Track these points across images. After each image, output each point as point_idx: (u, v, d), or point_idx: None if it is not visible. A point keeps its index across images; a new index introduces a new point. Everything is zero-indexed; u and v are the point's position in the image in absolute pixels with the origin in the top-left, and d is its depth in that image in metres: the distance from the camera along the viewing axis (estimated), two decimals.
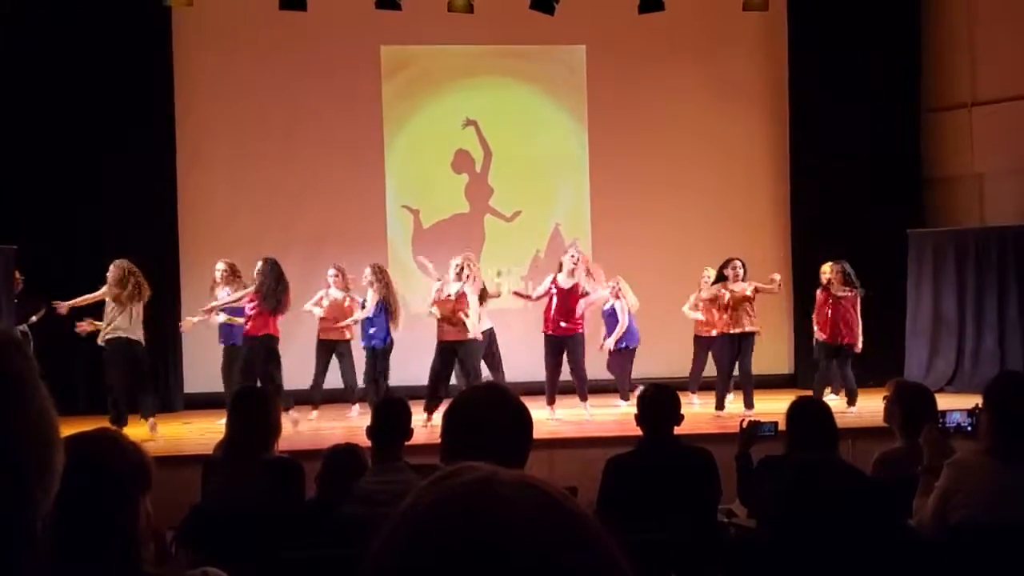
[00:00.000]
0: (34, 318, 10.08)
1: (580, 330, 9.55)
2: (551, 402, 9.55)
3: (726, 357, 9.71)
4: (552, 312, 9.51)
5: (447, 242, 11.78)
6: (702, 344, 10.42)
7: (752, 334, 9.68)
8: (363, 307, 9.76)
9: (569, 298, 9.46)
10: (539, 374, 10.42)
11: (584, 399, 9.63)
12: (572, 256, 9.63)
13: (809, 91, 11.96)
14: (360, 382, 9.90)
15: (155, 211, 11.15)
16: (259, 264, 9.32)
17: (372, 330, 9.65)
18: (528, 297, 10.01)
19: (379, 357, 9.65)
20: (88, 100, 10.93)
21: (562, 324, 9.47)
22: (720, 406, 9.62)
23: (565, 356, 9.53)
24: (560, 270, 9.66)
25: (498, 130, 12.15)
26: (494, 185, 12.17)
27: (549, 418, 9.31)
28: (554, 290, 9.55)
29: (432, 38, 11.69)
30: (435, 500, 0.82)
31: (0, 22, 10.63)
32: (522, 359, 10.63)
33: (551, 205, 12.26)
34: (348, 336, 9.95)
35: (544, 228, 12.21)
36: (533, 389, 10.05)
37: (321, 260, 10.95)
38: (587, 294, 9.54)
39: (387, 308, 9.61)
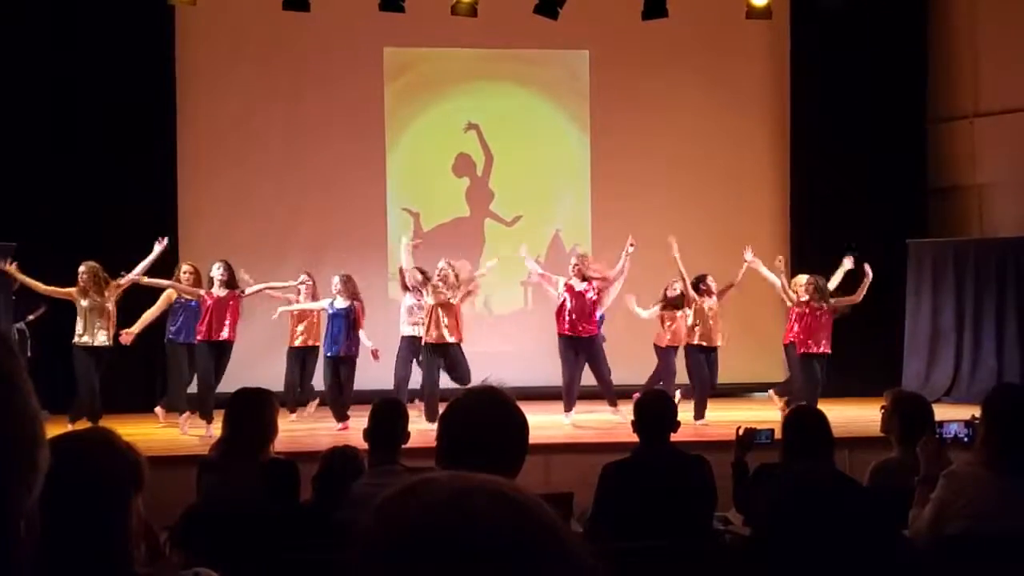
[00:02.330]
0: (31, 316, 10.07)
1: (597, 332, 9.50)
2: (569, 408, 9.46)
3: (703, 369, 9.64)
4: (567, 313, 9.43)
5: (447, 246, 11.78)
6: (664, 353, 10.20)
7: (717, 347, 9.69)
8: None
9: (583, 301, 9.41)
10: (535, 379, 10.44)
11: (613, 404, 9.60)
12: (574, 264, 9.62)
13: (811, 99, 11.97)
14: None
15: (156, 212, 11.13)
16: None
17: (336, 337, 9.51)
18: (544, 276, 9.79)
19: (343, 365, 9.52)
20: (90, 100, 10.94)
21: (579, 326, 9.40)
22: (700, 415, 9.51)
23: (584, 360, 9.50)
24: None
25: (500, 134, 12.15)
26: (495, 189, 12.17)
27: (565, 423, 9.28)
28: (566, 293, 9.48)
29: (435, 41, 11.70)
30: (404, 513, 0.81)
31: (1, 22, 10.63)
32: (520, 365, 10.63)
33: (552, 210, 12.26)
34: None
35: (545, 233, 12.21)
36: (530, 394, 10.06)
37: (322, 262, 10.95)
38: (600, 296, 9.49)
39: (356, 317, 9.52)
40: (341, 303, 9.45)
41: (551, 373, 11.46)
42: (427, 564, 0.78)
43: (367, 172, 11.82)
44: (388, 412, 4.35)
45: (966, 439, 4.59)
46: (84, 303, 8.95)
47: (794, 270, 11.80)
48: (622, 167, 12.02)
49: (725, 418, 9.61)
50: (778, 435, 4.79)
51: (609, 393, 9.65)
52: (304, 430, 9.33)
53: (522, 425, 2.37)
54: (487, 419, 2.32)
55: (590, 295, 9.42)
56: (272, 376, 9.57)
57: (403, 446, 4.29)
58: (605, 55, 12.06)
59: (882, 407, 4.87)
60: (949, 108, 12.15)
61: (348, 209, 11.72)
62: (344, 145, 11.76)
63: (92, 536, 1.59)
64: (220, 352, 9.13)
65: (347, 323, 9.47)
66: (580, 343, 9.43)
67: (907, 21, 11.98)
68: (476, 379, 9.86)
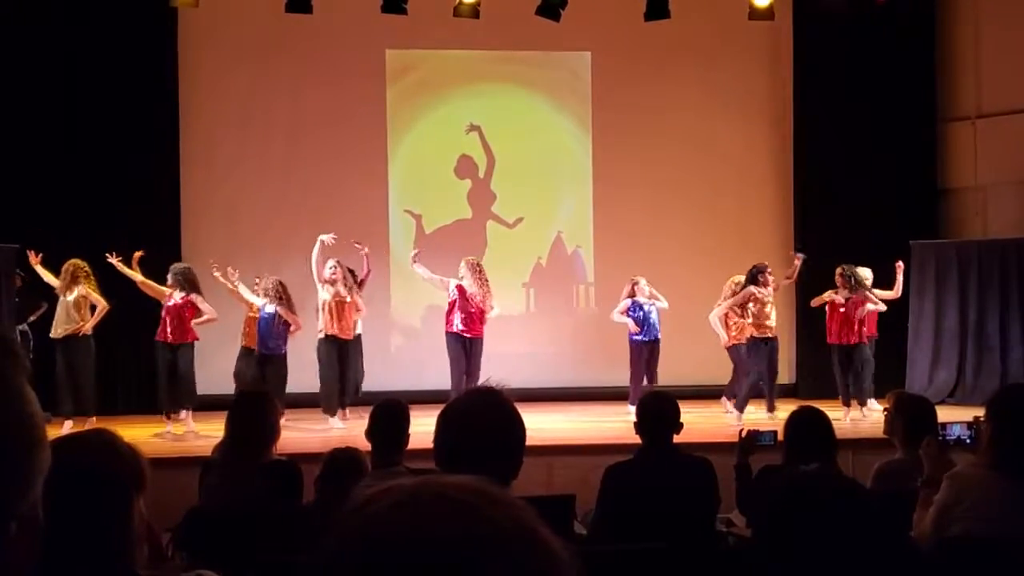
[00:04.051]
0: (33, 317, 10.09)
1: (482, 334, 9.88)
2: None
3: (763, 361, 9.83)
4: (457, 313, 9.74)
5: (449, 247, 11.78)
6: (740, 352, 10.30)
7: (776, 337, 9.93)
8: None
9: (474, 303, 9.77)
10: (538, 381, 10.44)
11: None
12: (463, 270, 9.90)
13: (814, 100, 11.95)
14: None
15: (157, 213, 11.14)
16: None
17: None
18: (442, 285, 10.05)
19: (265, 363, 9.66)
20: (92, 100, 10.94)
21: (471, 325, 9.76)
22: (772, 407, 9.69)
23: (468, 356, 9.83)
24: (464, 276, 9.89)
25: (502, 136, 12.14)
26: (497, 191, 12.16)
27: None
28: (456, 294, 9.77)
29: (437, 43, 11.69)
30: (351, 538, 0.81)
31: (3, 21, 10.63)
32: (523, 366, 10.62)
33: (554, 212, 12.25)
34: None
35: (546, 235, 12.20)
36: (533, 396, 10.06)
37: (322, 263, 10.95)
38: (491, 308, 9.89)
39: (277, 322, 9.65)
40: (269, 308, 9.60)
41: (554, 374, 11.50)
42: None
43: (369, 174, 11.82)
44: (390, 413, 4.33)
45: (968, 441, 4.58)
46: (60, 298, 9.46)
47: (797, 270, 11.80)
48: (624, 169, 12.01)
49: (728, 420, 9.63)
50: (781, 437, 4.78)
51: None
52: (306, 431, 9.33)
53: (519, 425, 2.34)
54: (485, 421, 2.30)
55: (477, 298, 9.77)
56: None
57: (406, 448, 4.28)
58: (607, 57, 12.05)
59: (885, 409, 4.87)
60: (952, 109, 12.14)
61: (350, 211, 11.70)
62: (346, 147, 11.75)
63: (94, 538, 1.59)
64: (174, 352, 9.41)
65: (269, 325, 9.60)
66: (470, 342, 9.79)
67: (912, 22, 11.95)
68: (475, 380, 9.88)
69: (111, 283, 9.77)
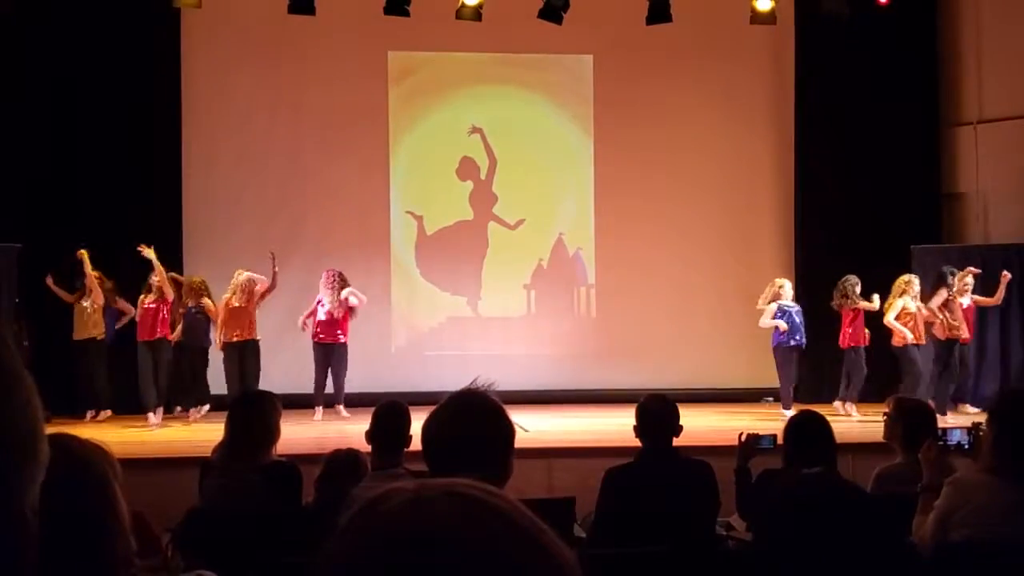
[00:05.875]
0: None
1: (345, 339, 10.24)
2: (319, 405, 10.15)
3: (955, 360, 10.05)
4: (320, 323, 10.21)
5: (450, 249, 11.80)
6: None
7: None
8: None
9: (335, 314, 10.18)
10: (538, 383, 10.43)
11: (342, 404, 10.24)
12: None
13: (815, 104, 11.95)
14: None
15: (159, 213, 11.15)
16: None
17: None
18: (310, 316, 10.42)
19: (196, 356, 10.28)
20: (94, 100, 10.94)
21: (329, 333, 10.18)
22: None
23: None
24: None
25: (504, 138, 12.14)
26: (498, 193, 12.16)
27: (316, 420, 9.97)
28: (321, 307, 10.22)
29: (440, 45, 11.70)
30: (361, 535, 0.81)
31: (6, 21, 10.64)
32: (525, 368, 10.63)
33: (555, 214, 12.25)
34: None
35: (548, 237, 12.20)
36: (533, 398, 10.07)
37: (324, 265, 10.96)
38: (351, 307, 10.27)
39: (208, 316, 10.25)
40: (192, 303, 10.29)
41: (555, 376, 11.50)
42: None
43: (370, 175, 11.82)
44: (391, 414, 4.33)
45: (967, 446, 4.58)
46: (76, 305, 10.35)
47: (798, 273, 11.81)
48: (625, 171, 12.01)
49: (728, 424, 9.62)
50: (781, 440, 4.78)
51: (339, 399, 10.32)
52: (307, 432, 9.32)
53: (505, 426, 2.32)
54: (471, 424, 2.29)
55: (328, 306, 10.20)
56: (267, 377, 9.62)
57: (407, 449, 4.28)
58: (609, 60, 12.05)
59: (885, 413, 4.86)
60: (954, 114, 12.14)
61: (351, 213, 11.72)
62: (348, 148, 11.75)
63: (85, 529, 1.58)
64: (156, 349, 10.12)
65: (191, 320, 10.25)
66: (329, 348, 10.22)
67: (914, 26, 11.96)
68: (466, 381, 9.86)
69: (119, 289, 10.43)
